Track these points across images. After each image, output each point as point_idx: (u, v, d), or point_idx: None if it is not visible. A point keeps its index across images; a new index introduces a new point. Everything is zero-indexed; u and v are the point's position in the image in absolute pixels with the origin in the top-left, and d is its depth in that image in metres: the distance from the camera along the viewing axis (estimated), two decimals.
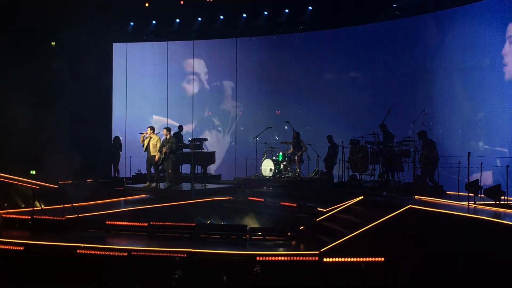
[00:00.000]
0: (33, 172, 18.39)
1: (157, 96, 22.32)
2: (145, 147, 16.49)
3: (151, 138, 16.41)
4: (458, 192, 13.32)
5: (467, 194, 11.58)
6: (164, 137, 16.27)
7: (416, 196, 12.61)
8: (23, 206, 15.77)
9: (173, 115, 21.95)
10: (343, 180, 16.58)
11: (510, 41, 14.60)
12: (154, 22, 22.00)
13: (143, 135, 16.54)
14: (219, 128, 22.11)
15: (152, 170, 16.63)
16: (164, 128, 16.51)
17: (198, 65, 22.26)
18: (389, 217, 10.75)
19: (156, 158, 16.18)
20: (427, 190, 13.11)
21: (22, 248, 11.37)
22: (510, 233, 9.32)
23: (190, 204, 15.38)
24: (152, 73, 22.51)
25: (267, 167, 17.69)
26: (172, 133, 16.77)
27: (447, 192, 13.50)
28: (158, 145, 16.21)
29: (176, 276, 9.58)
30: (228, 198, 16.26)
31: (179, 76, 22.35)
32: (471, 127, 15.89)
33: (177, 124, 19.54)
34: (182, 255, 10.62)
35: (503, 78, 14.71)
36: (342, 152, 16.56)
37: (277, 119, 20.66)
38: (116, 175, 20.26)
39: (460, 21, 16.12)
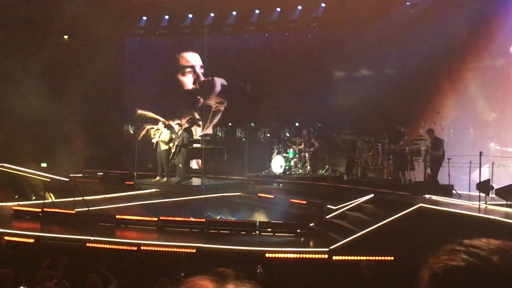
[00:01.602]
0: (44, 164, 18.47)
1: (165, 93, 22.27)
2: (155, 141, 16.52)
3: (161, 132, 16.44)
4: (469, 191, 13.23)
5: (478, 194, 11.53)
6: (176, 130, 16.31)
7: (426, 195, 12.56)
8: (34, 198, 15.85)
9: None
10: (354, 178, 16.55)
11: None
12: (166, 17, 21.99)
13: (150, 128, 16.57)
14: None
15: (163, 165, 16.65)
16: (176, 123, 16.53)
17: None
18: (399, 216, 10.72)
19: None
20: (437, 189, 13.06)
21: (32, 240, 11.42)
22: None
23: (200, 199, 15.44)
24: (162, 68, 22.48)
25: (277, 163, 17.68)
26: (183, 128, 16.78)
27: (458, 191, 13.41)
28: (168, 139, 16.24)
29: (182, 275, 9.54)
30: (238, 194, 16.29)
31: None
32: (483, 127, 15.77)
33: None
34: (191, 250, 10.63)
35: None
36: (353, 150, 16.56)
37: (288, 116, 20.60)
38: (127, 168, 20.28)
39: (472, 20, 16.00)
